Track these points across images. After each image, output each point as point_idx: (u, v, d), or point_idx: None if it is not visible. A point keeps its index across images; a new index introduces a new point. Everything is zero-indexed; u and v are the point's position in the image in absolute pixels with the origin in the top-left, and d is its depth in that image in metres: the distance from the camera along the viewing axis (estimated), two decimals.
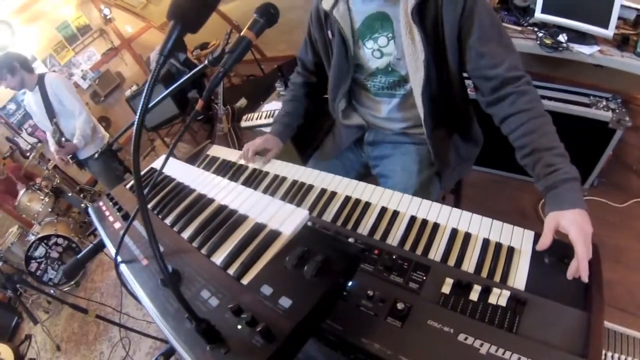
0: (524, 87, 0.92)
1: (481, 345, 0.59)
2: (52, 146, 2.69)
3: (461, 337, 0.61)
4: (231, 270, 0.62)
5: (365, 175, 1.37)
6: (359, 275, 0.71)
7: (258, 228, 0.70)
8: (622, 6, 1.61)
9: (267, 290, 0.52)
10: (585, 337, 0.60)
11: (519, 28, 1.84)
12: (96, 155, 2.07)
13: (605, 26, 1.56)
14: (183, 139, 4.24)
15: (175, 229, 0.80)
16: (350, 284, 0.71)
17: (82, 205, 3.89)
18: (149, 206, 0.90)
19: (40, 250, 3.31)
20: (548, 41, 1.67)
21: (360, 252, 0.66)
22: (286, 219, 0.69)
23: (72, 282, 3.49)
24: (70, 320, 3.39)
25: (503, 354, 0.57)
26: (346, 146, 1.34)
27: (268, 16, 0.75)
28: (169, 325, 0.53)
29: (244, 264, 0.63)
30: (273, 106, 2.32)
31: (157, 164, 1.21)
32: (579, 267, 0.70)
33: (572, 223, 0.75)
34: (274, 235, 0.66)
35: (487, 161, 2.05)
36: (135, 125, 0.50)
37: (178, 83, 0.85)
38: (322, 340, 0.67)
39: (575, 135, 1.71)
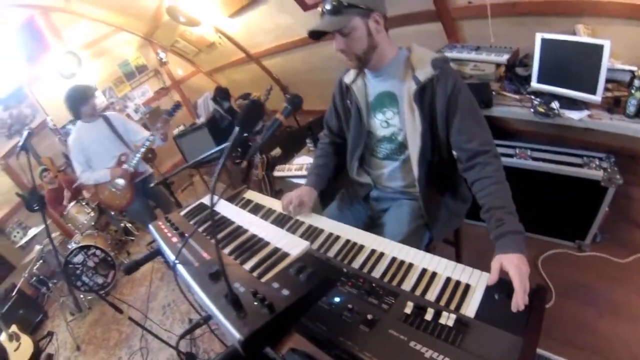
0: (490, 160, 1.21)
1: (426, 351, 0.82)
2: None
3: (412, 343, 0.85)
4: (255, 273, 0.94)
5: (371, 225, 1.59)
6: (346, 294, 1.00)
7: (275, 250, 1.03)
8: (615, 69, 1.77)
9: (275, 285, 0.82)
10: (516, 358, 0.78)
11: (518, 96, 2.01)
12: (152, 184, 2.46)
13: (593, 92, 1.71)
14: (220, 180, 4.70)
15: (220, 245, 1.13)
16: (337, 299, 1.00)
17: (122, 225, 4.35)
18: (200, 229, 1.25)
19: (79, 258, 3.68)
20: (541, 109, 1.83)
21: (335, 274, 0.96)
22: (294, 246, 1.01)
23: (103, 291, 3.82)
24: (94, 325, 3.67)
25: (441, 358, 0.81)
26: (356, 200, 1.63)
27: (294, 105, 1.12)
28: (211, 300, 0.84)
29: (263, 269, 0.95)
30: (304, 160, 2.68)
31: (206, 200, 1.58)
32: (517, 301, 0.89)
33: (511, 264, 0.98)
34: (285, 255, 0.99)
35: None
36: (213, 181, 0.84)
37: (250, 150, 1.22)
38: (312, 338, 0.95)
39: (570, 193, 1.91)
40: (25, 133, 2.29)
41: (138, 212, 3.21)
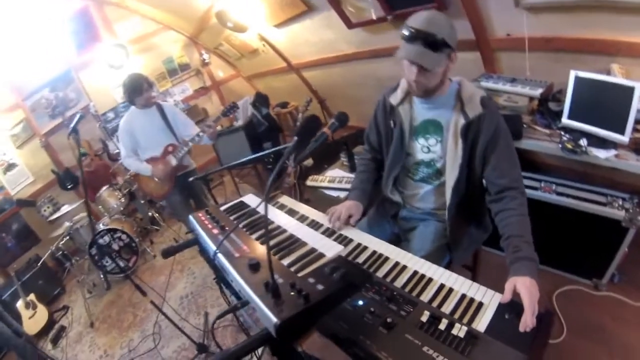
0: (516, 195, 1.31)
1: (437, 356, 0.93)
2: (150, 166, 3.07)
3: (425, 348, 0.95)
4: (292, 268, 1.06)
5: (396, 242, 1.64)
6: (369, 299, 1.11)
7: (312, 250, 1.15)
8: None
9: (311, 280, 0.94)
10: None
11: (548, 131, 2.03)
12: (192, 178, 2.54)
13: (622, 132, 1.73)
14: (251, 182, 4.92)
15: (260, 241, 1.27)
16: (361, 302, 1.11)
17: (149, 214, 4.55)
18: (241, 225, 1.39)
19: (105, 239, 3.89)
20: (569, 145, 1.85)
21: (365, 275, 1.08)
22: (329, 248, 1.14)
23: (123, 274, 3.91)
24: (110, 306, 3.85)
25: None
26: (385, 218, 1.74)
27: (341, 121, 1.25)
28: (250, 288, 0.96)
29: (300, 266, 1.07)
30: (336, 173, 2.83)
31: (246, 199, 1.73)
32: (526, 321, 0.98)
33: (524, 286, 1.07)
34: (321, 255, 1.11)
35: None
36: (267, 187, 0.97)
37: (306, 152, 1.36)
38: (333, 335, 1.06)
39: (591, 230, 1.93)
40: (77, 116, 2.45)
41: (175, 204, 3.28)
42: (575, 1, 1.84)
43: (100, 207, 4.24)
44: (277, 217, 1.44)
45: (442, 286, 1.18)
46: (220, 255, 1.17)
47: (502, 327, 1.02)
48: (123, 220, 4.18)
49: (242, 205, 1.64)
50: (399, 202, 1.68)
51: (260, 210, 1.45)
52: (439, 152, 1.47)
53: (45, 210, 5.11)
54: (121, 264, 4.00)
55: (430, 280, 1.21)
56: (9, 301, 3.77)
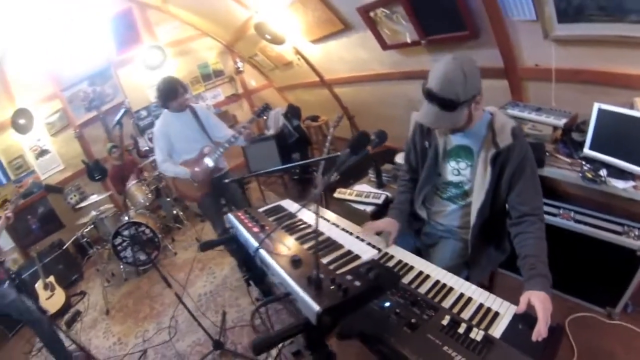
0: (535, 220, 1.43)
1: (456, 356, 1.04)
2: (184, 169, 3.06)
3: (445, 348, 1.07)
4: (331, 266, 1.19)
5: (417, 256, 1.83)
6: (395, 302, 1.24)
7: (349, 252, 1.30)
8: None
9: (349, 277, 1.06)
10: None
11: (570, 160, 2.11)
12: (227, 180, 2.66)
13: None
14: (275, 190, 5.06)
15: (299, 242, 1.41)
16: (387, 304, 1.24)
17: (174, 212, 4.72)
18: (281, 226, 1.54)
19: (129, 232, 4.03)
20: (589, 175, 1.93)
21: (395, 277, 1.21)
22: (365, 252, 1.28)
23: (143, 267, 4.19)
24: (127, 296, 3.96)
25: None
26: (409, 233, 1.86)
27: (380, 139, 1.40)
28: (293, 280, 1.09)
29: (339, 264, 1.21)
30: (364, 188, 2.96)
31: (283, 203, 1.89)
32: (539, 330, 1.09)
33: (538, 299, 1.19)
34: (357, 256, 1.26)
35: None
36: (318, 192, 1.13)
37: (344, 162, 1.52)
38: (361, 335, 1.19)
39: (606, 259, 1.99)
40: (122, 110, 2.65)
41: (208, 205, 3.27)
42: (602, 36, 1.93)
43: (127, 200, 4.41)
44: (314, 221, 1.59)
45: (461, 295, 1.31)
46: (262, 251, 1.32)
47: (516, 335, 1.14)
48: (147, 216, 4.35)
49: (280, 208, 1.80)
50: (424, 219, 1.81)
51: (300, 215, 1.60)
52: (468, 175, 1.60)
53: (71, 198, 5.38)
54: (142, 257, 4.15)
55: (451, 289, 1.34)
56: (28, 280, 3.94)
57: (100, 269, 4.44)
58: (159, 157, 3.05)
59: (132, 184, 4.35)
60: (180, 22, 5.52)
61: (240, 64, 6.04)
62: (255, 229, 1.51)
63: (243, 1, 4.10)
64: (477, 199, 1.55)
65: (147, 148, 5.09)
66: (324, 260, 1.23)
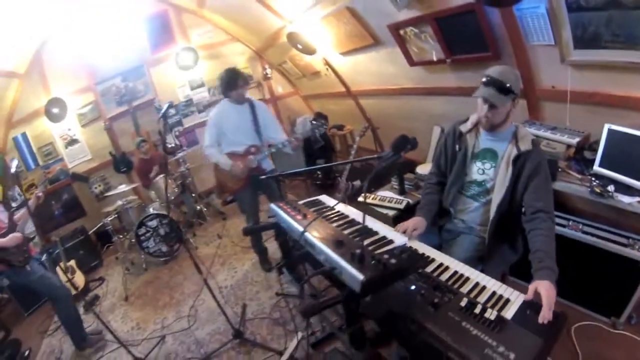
0: (547, 218, 1.64)
1: (473, 330, 1.25)
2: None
3: (463, 324, 1.28)
4: (370, 247, 1.42)
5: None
6: (419, 286, 1.45)
7: (384, 237, 1.53)
8: None
9: (385, 256, 1.29)
10: (535, 352, 1.17)
11: (580, 176, 2.29)
12: (263, 176, 2.83)
13: None
14: (298, 194, 5.23)
15: (338, 228, 1.65)
16: (413, 287, 1.45)
17: (198, 208, 4.93)
18: (322, 215, 1.78)
19: (153, 223, 4.27)
20: (597, 189, 2.10)
21: (423, 260, 1.45)
22: (397, 238, 1.52)
23: (164, 259, 4.40)
24: (147, 285, 4.13)
25: (483, 336, 1.22)
26: (432, 229, 2.07)
27: (413, 145, 1.64)
28: (339, 256, 1.32)
29: (376, 246, 1.45)
30: (387, 194, 3.22)
31: (321, 198, 2.15)
32: (544, 314, 1.28)
33: (543, 287, 1.39)
34: (391, 241, 1.50)
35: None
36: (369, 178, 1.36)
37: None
38: (390, 313, 1.41)
39: (611, 269, 2.12)
40: (167, 104, 2.75)
41: (245, 198, 3.42)
42: (615, 61, 2.11)
43: (153, 192, 4.65)
44: (351, 213, 1.83)
45: (477, 284, 1.51)
46: (307, 234, 1.56)
47: (525, 318, 1.34)
48: (171, 209, 4.57)
49: (318, 202, 2.05)
50: (448, 215, 2.05)
51: (338, 207, 1.85)
52: (491, 175, 1.86)
53: (96, 188, 5.66)
54: (164, 248, 4.38)
55: (467, 278, 1.55)
56: (52, 260, 4.09)
57: (120, 258, 4.65)
58: (207, 141, 3.21)
59: (159, 177, 4.58)
60: (213, 26, 5.81)
61: (268, 71, 6.28)
62: (298, 217, 1.75)
63: (278, 11, 4.34)
64: (497, 195, 1.80)
65: (173, 145, 5.34)
66: (364, 242, 1.46)
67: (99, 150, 5.67)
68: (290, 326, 2.80)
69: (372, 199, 3.14)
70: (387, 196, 3.14)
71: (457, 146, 1.96)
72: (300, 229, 1.61)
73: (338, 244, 1.42)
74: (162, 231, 4.35)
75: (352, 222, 1.72)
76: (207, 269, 3.98)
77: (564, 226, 2.25)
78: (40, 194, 3.12)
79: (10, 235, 2.82)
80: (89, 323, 3.59)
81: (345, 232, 1.58)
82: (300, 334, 2.59)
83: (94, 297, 4.18)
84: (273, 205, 1.95)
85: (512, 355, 1.15)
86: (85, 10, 4.99)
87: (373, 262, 1.27)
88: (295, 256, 1.80)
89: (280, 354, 2.57)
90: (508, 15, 2.44)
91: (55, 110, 5.36)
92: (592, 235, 2.19)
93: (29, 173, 5.24)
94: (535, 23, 2.33)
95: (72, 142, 5.59)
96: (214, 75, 5.78)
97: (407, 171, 3.42)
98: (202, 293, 3.58)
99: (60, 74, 5.38)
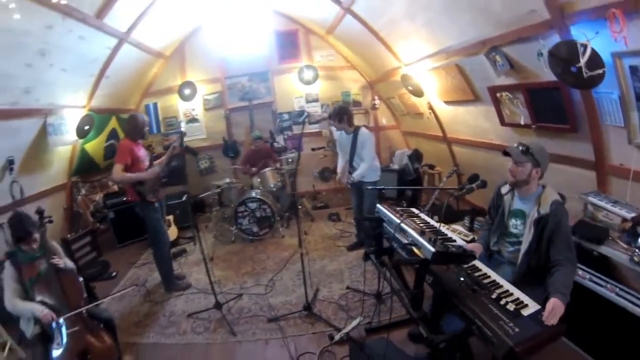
0: (565, 263, 2.15)
1: (497, 312, 1.92)
2: (340, 168, 4.62)
3: (490, 306, 1.98)
4: (440, 239, 2.29)
5: None
6: (466, 278, 2.25)
7: (450, 237, 2.40)
8: None
9: (449, 245, 2.20)
10: (531, 333, 1.77)
11: (626, 246, 2.57)
12: (369, 187, 4.02)
13: None
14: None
15: (422, 226, 2.50)
16: (462, 278, 2.25)
17: (287, 203, 5.69)
18: (411, 217, 2.70)
19: (252, 205, 5.11)
20: (637, 259, 2.40)
21: (472, 257, 2.27)
22: (458, 240, 2.40)
23: (252, 237, 5.15)
24: (233, 254, 4.91)
25: (501, 315, 1.88)
26: (484, 254, 2.72)
27: (483, 184, 2.50)
28: (422, 238, 2.22)
29: (444, 239, 2.30)
30: (458, 227, 3.99)
31: (412, 209, 2.99)
32: (546, 315, 1.84)
33: (551, 302, 1.93)
34: (454, 240, 2.37)
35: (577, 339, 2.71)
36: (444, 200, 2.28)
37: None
38: (443, 292, 2.26)
39: (637, 335, 2.34)
40: (305, 114, 3.86)
41: (352, 195, 4.70)
42: None
43: (259, 180, 5.53)
44: (430, 221, 2.72)
45: (507, 290, 2.21)
46: (403, 224, 2.46)
47: (535, 319, 1.93)
48: (270, 197, 5.34)
49: (410, 210, 2.93)
50: (495, 250, 2.67)
51: (421, 215, 2.78)
52: (521, 230, 2.42)
53: (202, 164, 6.80)
54: (254, 229, 5.22)
55: (501, 286, 2.27)
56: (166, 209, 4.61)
57: (210, 227, 5.52)
58: (338, 148, 4.69)
59: (268, 169, 5.47)
60: (335, 51, 6.80)
61: (377, 102, 7.10)
62: (397, 215, 2.68)
63: (398, 53, 5.07)
64: (524, 246, 2.35)
65: (279, 146, 6.24)
66: (437, 236, 2.36)
67: (213, 134, 6.81)
68: (353, 313, 3.41)
69: (446, 228, 3.88)
70: (458, 229, 3.88)
71: (498, 203, 2.59)
72: (398, 221, 2.53)
73: (422, 233, 2.32)
74: (258, 214, 5.21)
75: (431, 225, 2.59)
76: (290, 254, 4.70)
77: (602, 286, 2.60)
78: (176, 144, 3.98)
79: (150, 170, 3.77)
80: (175, 268, 4.34)
81: (426, 229, 2.47)
82: (360, 318, 3.23)
83: (182, 250, 5.09)
84: (379, 205, 2.88)
85: (516, 329, 1.85)
86: (230, 14, 6.10)
87: (442, 245, 2.17)
88: (384, 248, 2.68)
89: (339, 330, 3.14)
90: (588, 96, 2.79)
91: (187, 92, 6.62)
92: (625, 299, 2.46)
93: (150, 136, 6.15)
94: (609, 106, 2.67)
95: (193, 120, 6.79)
96: (329, 95, 6.92)
97: (477, 215, 4.19)
98: (281, 272, 4.30)
99: (198, 63, 6.64)
